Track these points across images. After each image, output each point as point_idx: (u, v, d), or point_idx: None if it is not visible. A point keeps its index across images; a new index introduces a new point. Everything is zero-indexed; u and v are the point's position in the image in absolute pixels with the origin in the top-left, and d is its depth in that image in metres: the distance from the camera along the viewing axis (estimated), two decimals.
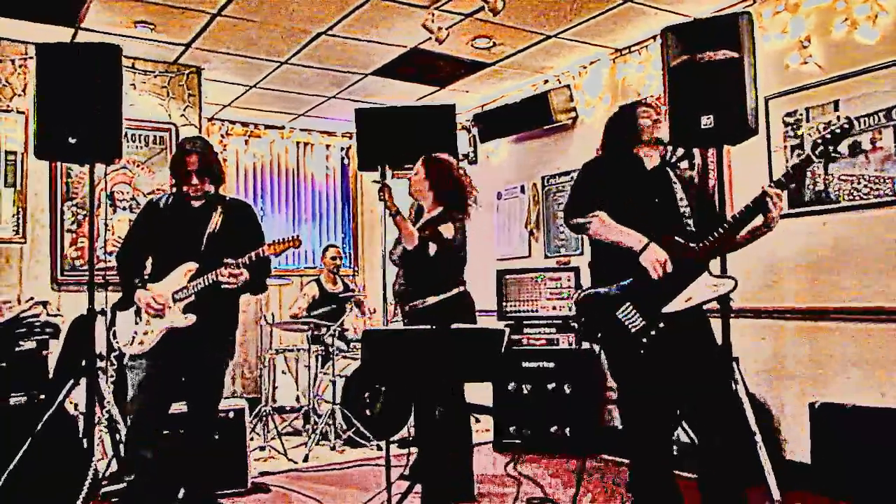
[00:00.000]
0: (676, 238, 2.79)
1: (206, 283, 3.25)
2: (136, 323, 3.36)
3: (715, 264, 2.98)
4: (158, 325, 3.31)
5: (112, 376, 3.98)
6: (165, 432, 3.52)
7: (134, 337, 3.34)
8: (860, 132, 3.89)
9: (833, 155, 2.66)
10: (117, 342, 3.43)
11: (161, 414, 3.37)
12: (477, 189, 4.04)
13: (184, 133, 5.63)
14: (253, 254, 3.24)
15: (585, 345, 5.06)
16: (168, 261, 3.39)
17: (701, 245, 2.76)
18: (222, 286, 3.23)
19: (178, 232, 3.41)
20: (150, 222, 3.49)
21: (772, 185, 2.73)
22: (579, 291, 2.98)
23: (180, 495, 3.44)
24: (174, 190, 3.52)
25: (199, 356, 3.36)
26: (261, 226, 3.59)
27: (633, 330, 2.76)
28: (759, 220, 2.77)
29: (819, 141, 2.65)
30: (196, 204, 3.46)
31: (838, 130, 2.62)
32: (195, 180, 3.39)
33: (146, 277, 3.43)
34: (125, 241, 3.58)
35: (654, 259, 2.71)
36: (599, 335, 2.88)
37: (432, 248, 3.78)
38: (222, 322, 3.47)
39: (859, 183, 3.90)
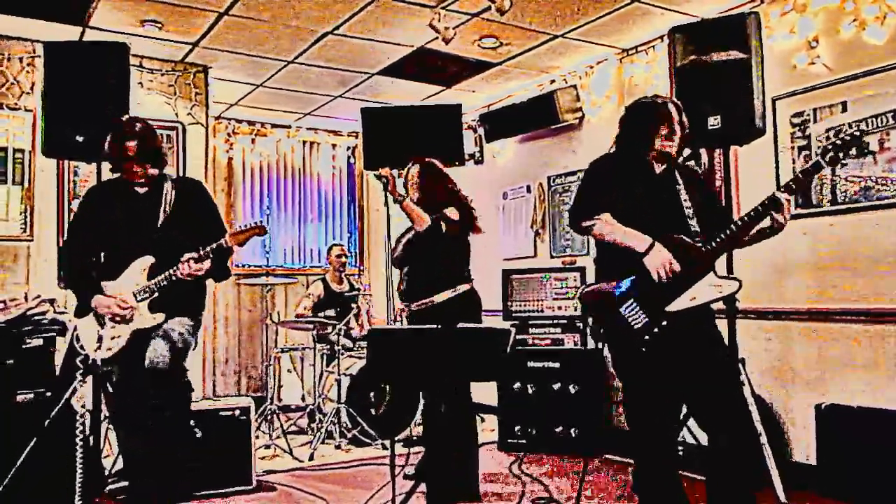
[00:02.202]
0: (683, 237, 2.79)
1: (168, 280, 3.11)
2: (101, 326, 3.18)
3: (721, 265, 2.98)
4: (126, 327, 3.14)
5: (82, 382, 3.85)
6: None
7: (100, 342, 3.16)
8: (868, 133, 3.87)
9: (843, 162, 2.67)
10: (82, 347, 3.23)
11: (145, 413, 3.12)
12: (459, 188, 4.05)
13: (191, 132, 5.65)
14: (215, 245, 3.09)
15: (591, 344, 5.07)
16: (120, 254, 3.19)
17: (708, 246, 2.76)
18: (184, 278, 3.08)
19: (127, 222, 3.21)
20: (96, 215, 3.26)
21: (782, 189, 2.72)
22: (583, 287, 2.98)
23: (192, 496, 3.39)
24: (115, 177, 3.30)
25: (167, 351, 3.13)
26: (215, 203, 3.43)
27: (636, 327, 2.76)
28: (765, 223, 2.78)
29: (829, 147, 2.65)
30: (142, 190, 3.25)
31: (849, 137, 2.62)
32: (136, 167, 3.18)
33: (98, 277, 3.24)
34: (69, 239, 3.37)
35: (659, 261, 2.71)
36: (602, 331, 2.88)
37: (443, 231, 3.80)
38: (189, 311, 3.29)
39: (866, 184, 3.88)
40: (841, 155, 2.63)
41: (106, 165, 4.02)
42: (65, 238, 3.34)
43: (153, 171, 3.24)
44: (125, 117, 3.37)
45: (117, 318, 3.13)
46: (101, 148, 3.77)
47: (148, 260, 3.16)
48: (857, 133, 2.62)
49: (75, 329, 3.29)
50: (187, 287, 3.18)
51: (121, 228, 3.21)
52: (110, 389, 3.21)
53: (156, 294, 3.14)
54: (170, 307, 3.17)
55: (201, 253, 3.08)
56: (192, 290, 3.26)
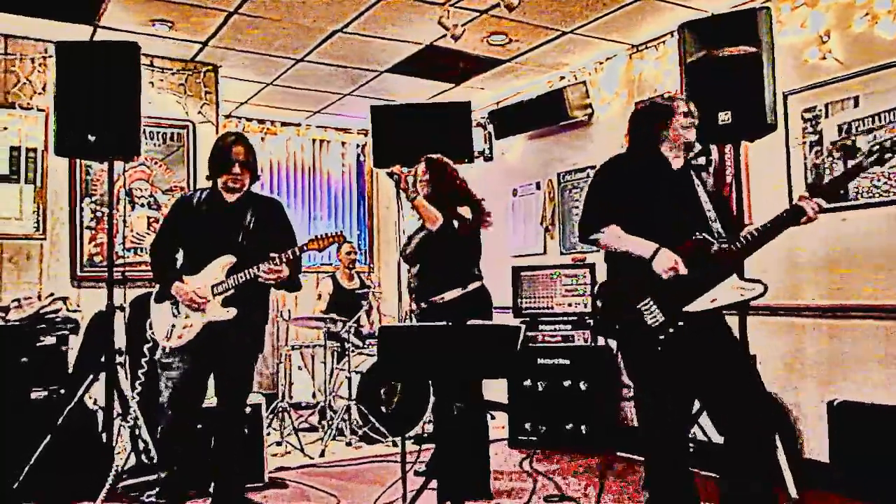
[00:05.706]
0: (706, 237, 2.75)
1: (247, 278, 3.23)
2: (175, 316, 3.34)
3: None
4: (198, 318, 3.29)
5: (143, 368, 3.97)
6: (199, 427, 3.57)
7: (172, 330, 3.32)
8: (880, 128, 3.85)
9: (885, 158, 2.64)
10: (153, 334, 3.42)
11: (196, 410, 3.40)
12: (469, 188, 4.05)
13: (201, 130, 5.68)
14: (297, 249, 3.25)
15: (601, 341, 5.06)
16: (203, 254, 3.35)
17: (729, 249, 2.73)
18: (260, 280, 3.22)
19: (213, 226, 3.37)
20: (183, 218, 3.44)
21: (806, 194, 2.69)
22: (602, 282, 2.95)
23: (210, 489, 3.45)
24: (210, 185, 3.47)
25: (232, 349, 3.34)
26: (290, 222, 3.58)
27: (653, 325, 2.73)
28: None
29: (876, 148, 2.62)
30: (230, 199, 3.41)
31: (888, 143, 2.61)
32: (237, 169, 3.35)
33: (181, 269, 3.41)
34: (158, 236, 3.57)
35: (666, 264, 2.69)
36: (617, 326, 2.85)
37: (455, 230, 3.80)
38: (257, 316, 3.45)
39: (879, 180, 3.85)
40: (888, 156, 2.61)
41: (118, 164, 4.08)
42: (154, 238, 3.62)
43: (247, 182, 3.43)
44: (206, 132, 3.53)
45: (193, 307, 3.28)
46: (112, 146, 3.84)
47: (229, 259, 3.32)
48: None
49: (149, 315, 3.47)
50: (262, 290, 3.35)
51: (206, 232, 3.38)
52: (166, 382, 3.33)
53: (231, 291, 3.28)
54: (242, 304, 3.31)
55: (282, 255, 3.23)
56: (265, 294, 3.44)
